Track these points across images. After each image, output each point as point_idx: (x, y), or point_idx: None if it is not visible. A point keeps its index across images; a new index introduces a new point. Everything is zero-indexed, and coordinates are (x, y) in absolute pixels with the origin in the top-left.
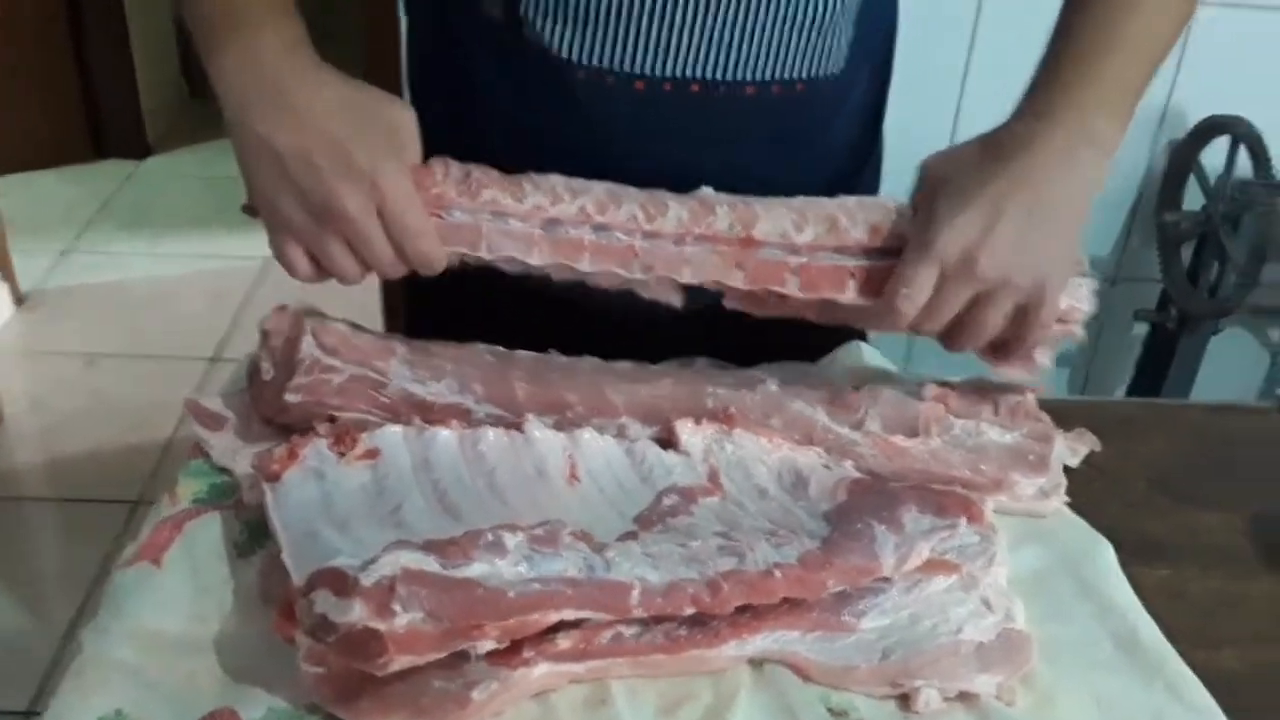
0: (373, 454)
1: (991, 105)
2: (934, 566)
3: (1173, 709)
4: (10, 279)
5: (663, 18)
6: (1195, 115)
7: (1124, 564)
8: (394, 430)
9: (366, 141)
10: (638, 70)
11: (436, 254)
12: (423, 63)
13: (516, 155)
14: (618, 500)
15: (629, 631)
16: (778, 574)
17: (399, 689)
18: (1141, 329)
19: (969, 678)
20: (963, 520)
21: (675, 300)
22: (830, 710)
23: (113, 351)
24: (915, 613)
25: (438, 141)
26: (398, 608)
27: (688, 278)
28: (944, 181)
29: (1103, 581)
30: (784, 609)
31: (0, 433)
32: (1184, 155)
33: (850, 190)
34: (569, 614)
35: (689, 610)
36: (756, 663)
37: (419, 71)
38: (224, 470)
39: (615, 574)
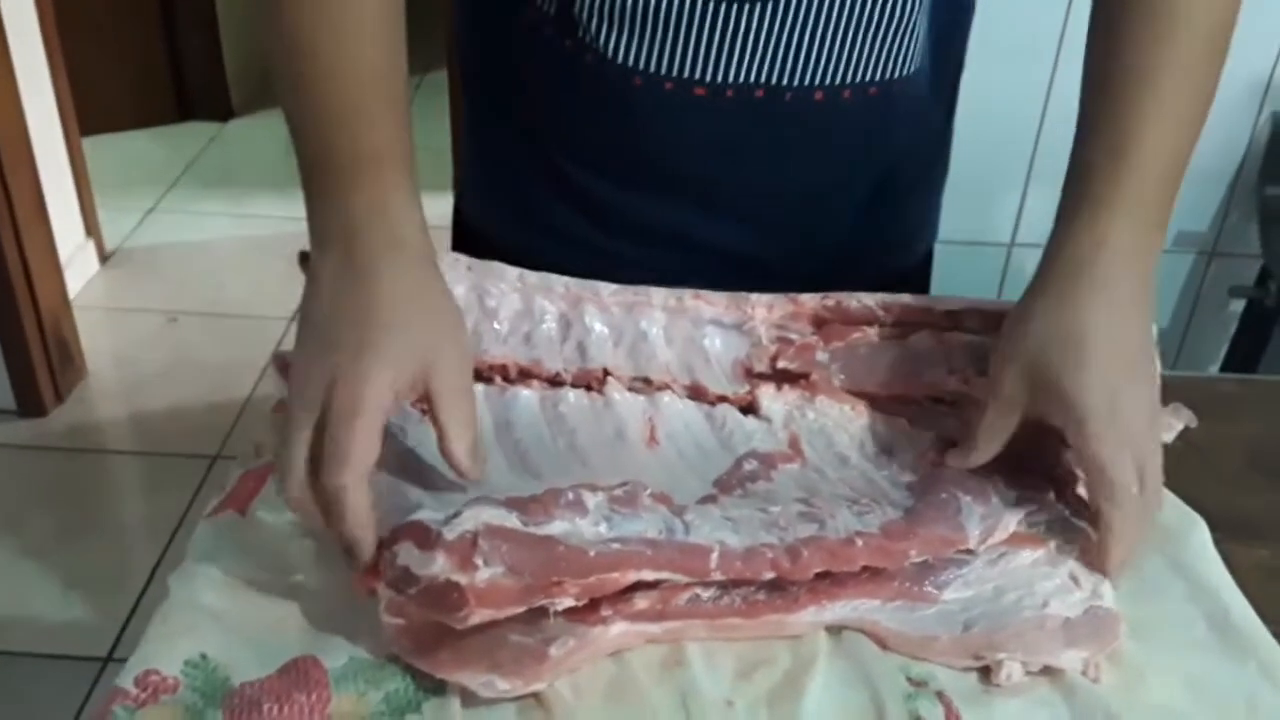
0: None
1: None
2: (1021, 540)
3: (1266, 691)
4: (96, 236)
5: (725, 23)
6: None
7: (1219, 543)
8: (474, 389)
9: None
10: (698, 77)
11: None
12: (472, 55)
13: (570, 157)
14: (697, 464)
15: (706, 594)
16: (859, 542)
17: (477, 642)
18: (1237, 306)
19: (1054, 653)
20: (1051, 494)
21: None
22: (910, 680)
23: (195, 310)
24: (1000, 585)
25: (487, 134)
26: (479, 561)
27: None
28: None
29: (1196, 560)
30: (865, 577)
31: (84, 387)
32: None
33: (920, 193)
34: (648, 574)
35: (768, 575)
36: (834, 630)
37: (469, 62)
38: None
39: (695, 537)
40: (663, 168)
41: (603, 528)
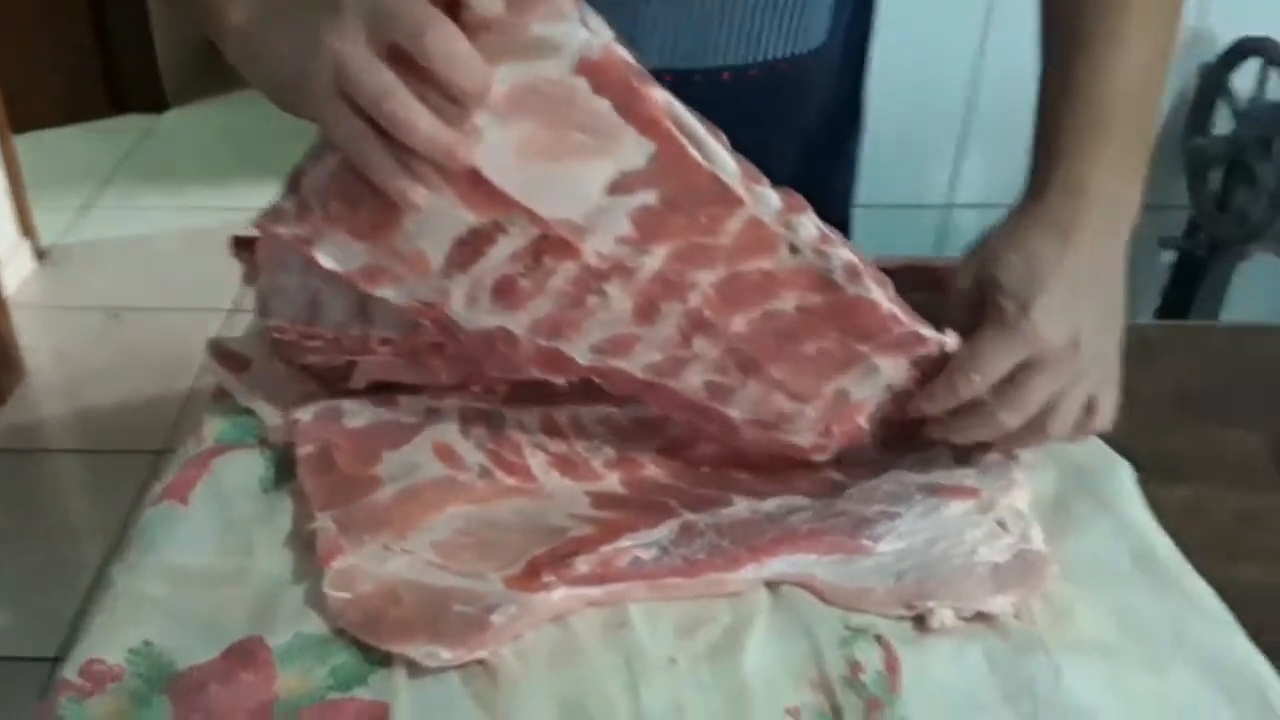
0: None
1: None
2: (952, 491)
3: (1191, 619)
4: (31, 235)
5: (628, 9)
6: (1226, 37)
7: (1144, 483)
8: None
9: None
10: None
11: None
12: None
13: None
14: None
15: (647, 555)
16: None
17: (420, 614)
18: (1169, 256)
19: (984, 599)
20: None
21: None
22: (849, 629)
23: (135, 305)
24: (931, 536)
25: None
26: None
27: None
28: (1022, 271)
29: (1120, 500)
30: (803, 535)
31: (24, 387)
32: (1214, 78)
33: (832, 160)
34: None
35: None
36: (773, 586)
37: None
38: (247, 410)
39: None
40: None
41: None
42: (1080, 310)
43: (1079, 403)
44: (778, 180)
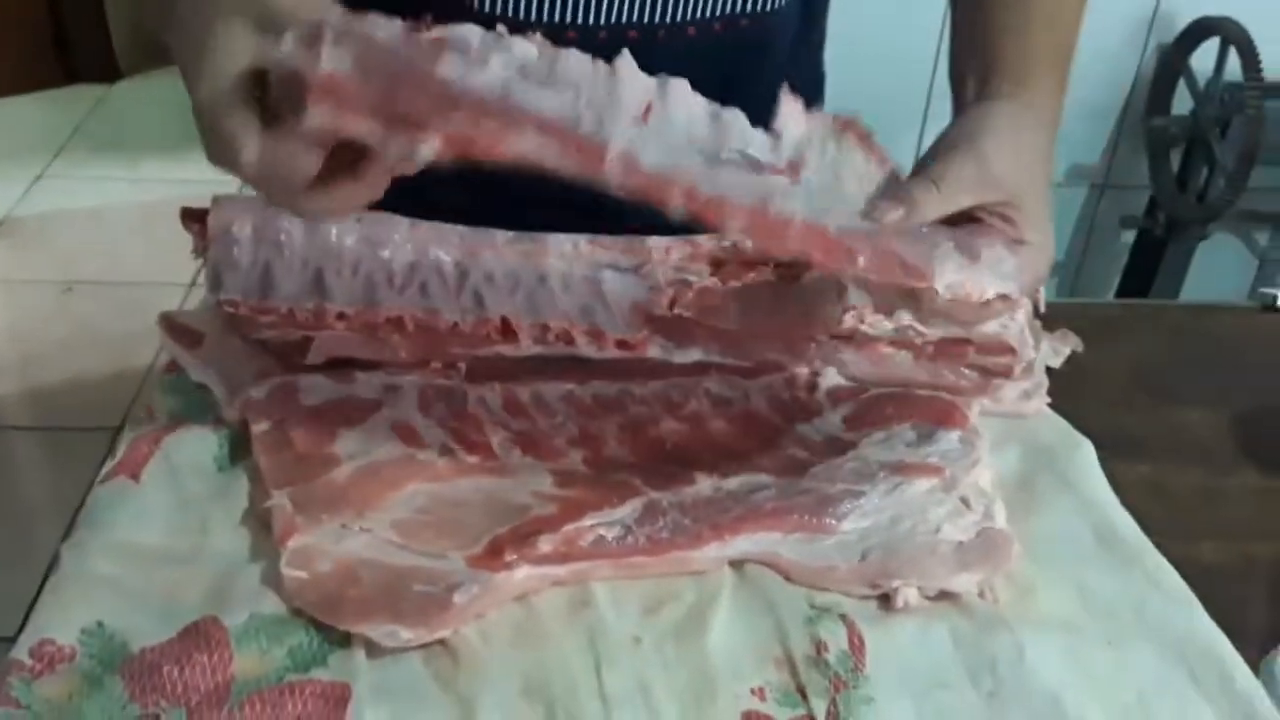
0: None
1: None
2: (917, 470)
3: (1152, 597)
4: None
5: None
6: (1184, 18)
7: (1105, 461)
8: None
9: None
10: (569, 20)
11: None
12: None
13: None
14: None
15: (611, 534)
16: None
17: (380, 593)
18: (1129, 236)
19: (948, 577)
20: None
21: None
22: (814, 608)
23: (90, 279)
24: (895, 514)
25: None
26: (324, 52)
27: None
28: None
29: (1082, 479)
30: (767, 513)
31: None
32: (1173, 58)
33: None
34: (528, 144)
35: (676, 204)
36: (737, 565)
37: None
38: (201, 386)
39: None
40: None
41: (500, 83)
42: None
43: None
44: None
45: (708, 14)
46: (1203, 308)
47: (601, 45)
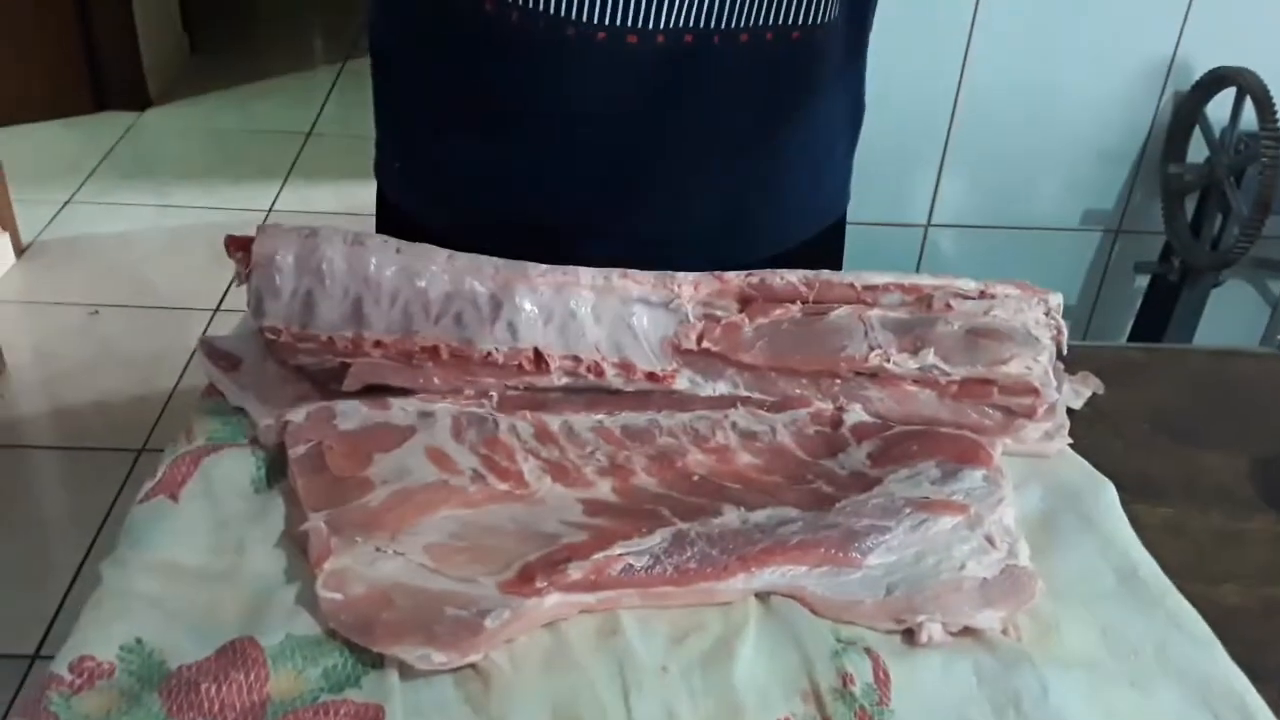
0: None
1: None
2: (942, 507)
3: (1174, 637)
4: (11, 229)
5: None
6: (1201, 67)
7: (1126, 503)
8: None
9: None
10: (630, 24)
11: None
12: (387, 37)
13: (486, 135)
14: None
15: (639, 563)
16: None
17: (413, 616)
18: (1143, 281)
19: (972, 613)
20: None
21: None
22: (840, 641)
23: (116, 302)
24: (920, 550)
25: (403, 117)
26: None
27: None
28: None
29: (1104, 519)
30: (793, 546)
31: (3, 383)
32: (1189, 107)
33: (835, 154)
34: None
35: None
36: (763, 596)
37: (382, 44)
38: (238, 409)
39: None
40: (584, 124)
41: None
42: None
43: None
44: (785, 160)
45: (761, 22)
46: (1223, 352)
47: (658, 51)
